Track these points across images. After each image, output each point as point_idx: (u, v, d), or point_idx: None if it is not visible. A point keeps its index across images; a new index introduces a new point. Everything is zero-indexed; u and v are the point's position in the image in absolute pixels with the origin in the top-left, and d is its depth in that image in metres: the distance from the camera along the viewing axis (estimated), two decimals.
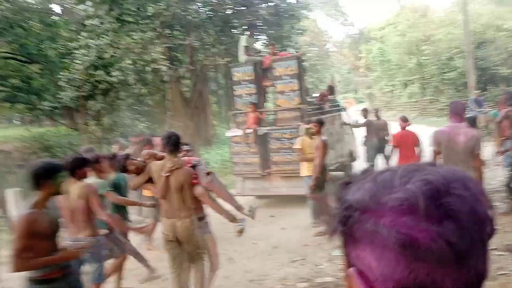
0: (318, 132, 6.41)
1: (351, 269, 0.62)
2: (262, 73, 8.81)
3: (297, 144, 6.96)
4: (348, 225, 0.61)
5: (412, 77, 27.74)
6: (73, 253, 2.93)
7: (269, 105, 10.27)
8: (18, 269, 2.65)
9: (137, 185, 4.32)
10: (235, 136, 8.64)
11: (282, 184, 8.25)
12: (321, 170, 6.38)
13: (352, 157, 9.79)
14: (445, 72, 23.17)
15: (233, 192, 9.45)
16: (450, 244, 0.55)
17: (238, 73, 8.72)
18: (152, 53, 12.97)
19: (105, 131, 15.38)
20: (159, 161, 4.06)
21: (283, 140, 8.07)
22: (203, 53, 14.22)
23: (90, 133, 15.21)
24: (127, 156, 4.32)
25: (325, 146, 6.38)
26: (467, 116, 8.01)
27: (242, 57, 9.04)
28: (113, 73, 13.37)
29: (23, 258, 2.61)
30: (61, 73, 14.13)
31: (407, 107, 27.27)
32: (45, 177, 2.79)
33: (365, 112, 10.14)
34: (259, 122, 8.48)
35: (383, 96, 33.18)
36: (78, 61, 13.41)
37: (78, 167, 3.86)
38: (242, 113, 8.70)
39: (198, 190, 4.12)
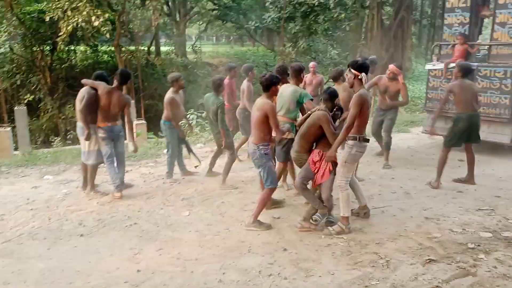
0: None
1: None
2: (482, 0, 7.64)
3: None
4: None
5: None
6: None
7: (483, 39, 8.97)
8: None
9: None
10: (435, 69, 7.93)
11: (481, 128, 7.36)
12: None
13: None
14: None
15: (419, 129, 8.91)
16: None
17: None
18: None
19: (299, 54, 15.96)
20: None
21: (494, 79, 7.05)
22: None
23: (285, 56, 16.00)
24: None
25: None
26: None
27: None
28: None
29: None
30: None
31: None
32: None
33: None
34: (466, 56, 7.55)
35: None
36: None
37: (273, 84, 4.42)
38: (448, 45, 7.85)
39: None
